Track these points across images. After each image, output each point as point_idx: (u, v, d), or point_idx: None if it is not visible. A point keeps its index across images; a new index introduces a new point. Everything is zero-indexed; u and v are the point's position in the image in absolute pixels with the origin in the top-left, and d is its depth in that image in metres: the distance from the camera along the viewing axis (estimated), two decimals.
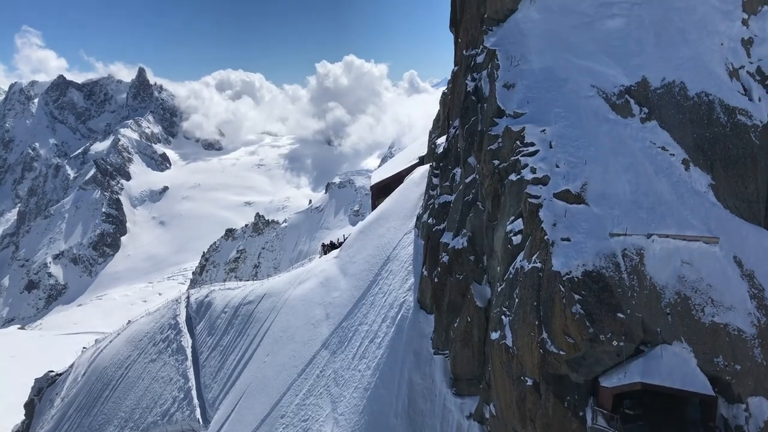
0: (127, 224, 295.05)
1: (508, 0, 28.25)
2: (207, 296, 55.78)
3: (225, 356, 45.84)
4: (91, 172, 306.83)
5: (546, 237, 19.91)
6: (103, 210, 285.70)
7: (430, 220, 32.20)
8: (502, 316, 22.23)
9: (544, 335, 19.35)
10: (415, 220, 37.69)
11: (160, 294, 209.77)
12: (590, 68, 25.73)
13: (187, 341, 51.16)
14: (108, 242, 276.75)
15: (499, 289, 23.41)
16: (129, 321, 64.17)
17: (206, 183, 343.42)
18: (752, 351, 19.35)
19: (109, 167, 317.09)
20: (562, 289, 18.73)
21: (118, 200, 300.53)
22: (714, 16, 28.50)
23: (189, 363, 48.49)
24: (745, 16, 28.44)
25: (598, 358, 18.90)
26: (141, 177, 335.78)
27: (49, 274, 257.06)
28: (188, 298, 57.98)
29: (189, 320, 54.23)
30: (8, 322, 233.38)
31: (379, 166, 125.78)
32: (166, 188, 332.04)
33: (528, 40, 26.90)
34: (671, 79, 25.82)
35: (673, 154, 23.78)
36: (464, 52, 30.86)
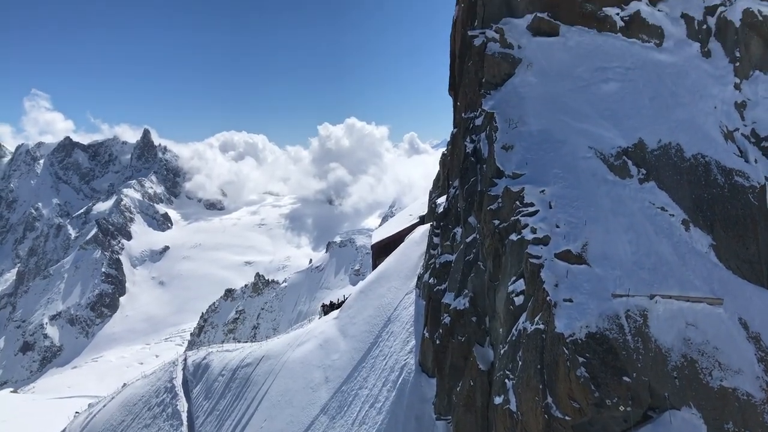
0: (127, 284, 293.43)
1: (506, 65, 29.09)
2: (204, 358, 54.74)
3: (221, 421, 44.54)
4: (93, 232, 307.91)
5: (548, 298, 19.69)
6: (103, 270, 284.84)
7: (431, 280, 31.98)
8: (506, 380, 21.70)
9: (549, 400, 18.82)
10: (416, 279, 37.43)
11: (157, 356, 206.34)
12: (587, 130, 26.19)
13: (182, 405, 49.84)
14: (106, 303, 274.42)
15: (501, 351, 22.96)
16: (124, 384, 62.75)
17: (207, 243, 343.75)
18: (762, 416, 18.79)
19: (110, 227, 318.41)
20: (566, 351, 18.36)
21: (119, 260, 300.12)
22: (706, 81, 29.31)
23: (184, 429, 47.07)
24: (738, 81, 29.26)
25: (605, 424, 18.31)
26: (142, 237, 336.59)
27: (45, 336, 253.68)
28: (185, 360, 56.88)
29: (185, 383, 53.01)
30: (1, 385, 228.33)
31: (380, 225, 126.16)
32: (166, 248, 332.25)
33: (525, 103, 27.51)
34: (667, 140, 26.26)
35: (673, 215, 23.87)
36: (463, 114, 31.50)
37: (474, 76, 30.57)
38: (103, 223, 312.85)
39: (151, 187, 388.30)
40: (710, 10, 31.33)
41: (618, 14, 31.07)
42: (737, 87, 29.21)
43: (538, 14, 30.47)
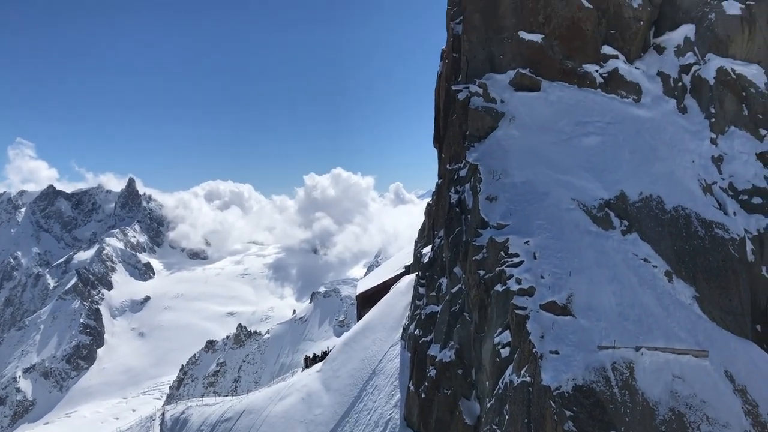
0: (105, 335, 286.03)
1: (489, 118, 29.74)
2: (183, 413, 53.00)
3: None
4: (72, 282, 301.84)
5: (534, 350, 19.52)
6: (81, 321, 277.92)
7: (416, 332, 31.62)
8: None
9: None
10: (401, 331, 36.98)
11: (133, 410, 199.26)
12: (570, 182, 26.61)
13: None
14: (83, 355, 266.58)
15: (488, 405, 22.55)
16: None
17: (189, 293, 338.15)
18: None
19: (91, 276, 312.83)
20: (553, 405, 18.08)
21: (98, 310, 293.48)
22: (683, 136, 30.14)
23: None
24: (714, 136, 30.11)
25: None
26: (123, 287, 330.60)
27: (18, 389, 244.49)
28: (163, 415, 55.01)
29: None
30: None
31: (365, 275, 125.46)
32: (147, 298, 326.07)
33: (509, 155, 27.99)
34: (648, 193, 26.74)
35: (656, 266, 24.07)
36: (448, 166, 31.92)
37: (458, 128, 31.17)
38: (83, 273, 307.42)
39: (134, 237, 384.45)
40: (685, 69, 32.51)
41: (597, 71, 32.14)
42: (713, 142, 30.05)
43: (520, 70, 31.42)
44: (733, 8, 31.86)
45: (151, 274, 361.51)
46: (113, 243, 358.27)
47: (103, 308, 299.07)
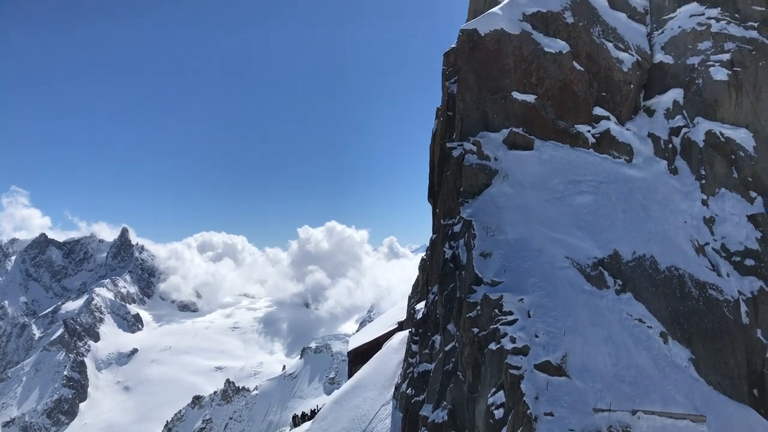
0: (89, 389, 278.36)
1: (483, 175, 30.04)
2: None
3: None
4: (58, 332, 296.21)
5: (528, 411, 19.03)
6: (65, 373, 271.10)
7: (408, 391, 30.88)
8: None
9: None
10: (393, 390, 36.12)
11: None
12: (563, 240, 26.66)
13: None
14: (64, 409, 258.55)
15: None
16: None
17: (178, 346, 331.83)
18: None
19: (78, 327, 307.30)
20: None
21: (83, 363, 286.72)
22: (675, 196, 30.48)
23: None
24: (705, 197, 30.45)
25: None
26: (110, 338, 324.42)
27: None
28: None
29: None
30: None
31: (357, 330, 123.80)
32: (135, 350, 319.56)
33: (502, 212, 28.13)
34: (641, 252, 26.78)
35: (651, 327, 23.84)
36: (442, 221, 32.01)
37: (452, 185, 31.44)
38: (70, 323, 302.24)
39: (125, 287, 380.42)
40: (675, 131, 33.23)
41: (589, 131, 32.78)
42: (705, 203, 30.36)
43: (514, 129, 32.00)
44: (720, 74, 32.86)
45: (140, 326, 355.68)
46: (103, 293, 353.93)
47: (88, 360, 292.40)
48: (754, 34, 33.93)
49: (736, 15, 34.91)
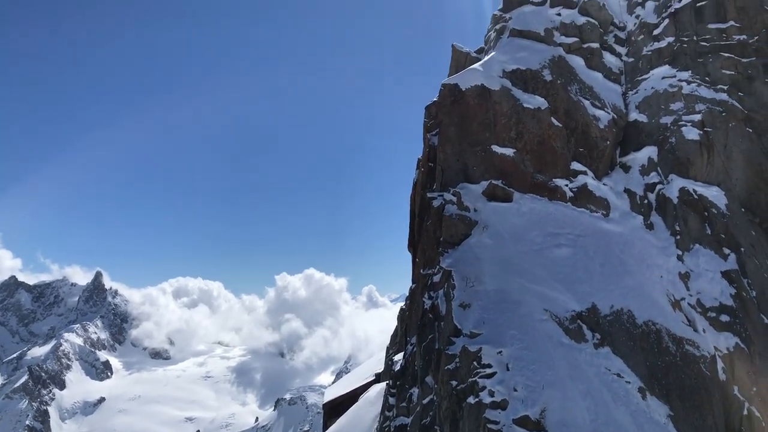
0: None
1: (462, 226, 30.25)
2: None
3: None
4: (22, 380, 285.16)
5: None
6: (27, 423, 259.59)
7: None
8: None
9: None
10: None
11: None
12: (542, 293, 26.71)
13: None
14: None
15: None
16: None
17: (147, 395, 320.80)
18: None
19: (43, 374, 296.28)
20: None
21: (46, 412, 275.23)
22: (651, 251, 30.90)
23: None
24: (680, 253, 30.92)
25: None
26: (77, 386, 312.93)
27: None
28: None
29: None
30: None
31: (334, 382, 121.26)
32: (102, 399, 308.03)
33: (482, 263, 28.20)
34: (619, 306, 26.90)
35: (629, 382, 23.71)
36: (421, 271, 31.96)
37: (432, 234, 31.56)
38: (35, 370, 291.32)
39: (95, 333, 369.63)
40: (650, 187, 34.01)
41: (567, 185, 33.40)
42: (680, 258, 30.81)
43: (493, 181, 32.48)
44: (691, 133, 33.95)
45: (109, 374, 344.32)
46: (72, 339, 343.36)
47: (52, 410, 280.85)
48: (723, 96, 35.30)
49: (707, 78, 36.38)
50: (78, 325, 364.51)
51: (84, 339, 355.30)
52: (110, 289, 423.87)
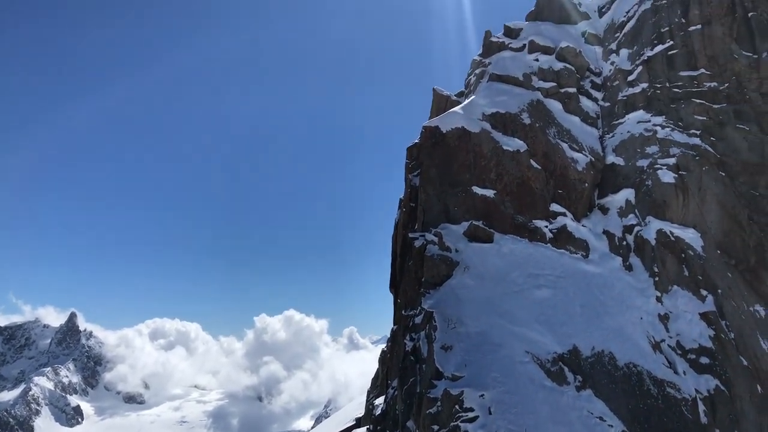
0: None
1: (444, 266, 30.21)
2: None
3: None
4: None
5: None
6: None
7: None
8: None
9: None
10: None
11: None
12: (524, 334, 26.59)
13: None
14: None
15: None
16: None
17: None
18: None
19: (11, 420, 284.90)
20: None
21: None
22: (630, 293, 31.06)
23: None
24: (659, 294, 31.12)
25: None
26: None
27: None
28: None
29: None
30: None
31: (313, 427, 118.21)
32: None
33: (464, 304, 28.08)
34: (600, 348, 26.84)
35: (612, 425, 23.46)
36: (403, 312, 31.70)
37: (414, 275, 31.45)
38: (3, 416, 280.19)
39: (67, 376, 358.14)
40: (628, 229, 34.42)
41: (547, 227, 33.69)
42: (659, 300, 30.99)
43: (474, 222, 32.66)
44: (667, 177, 34.64)
45: (80, 419, 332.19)
46: (42, 383, 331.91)
47: None
48: (697, 141, 36.22)
49: (680, 123, 37.38)
50: (49, 369, 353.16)
51: (55, 383, 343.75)
52: (84, 330, 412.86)
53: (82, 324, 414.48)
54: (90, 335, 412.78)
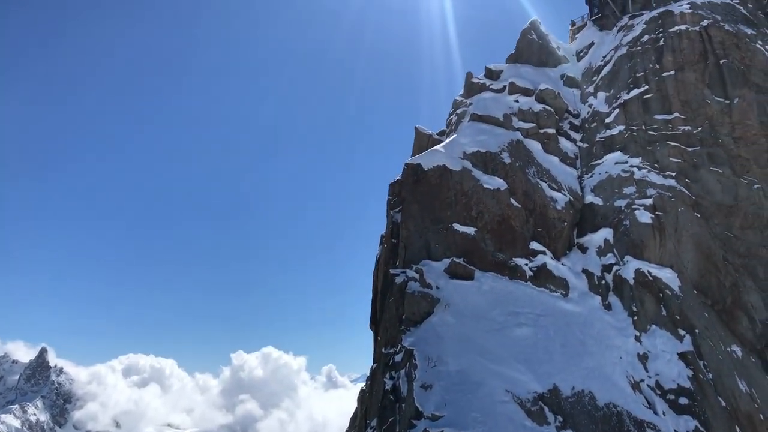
0: None
1: (425, 304, 30.12)
2: None
3: None
4: None
5: None
6: None
7: None
8: None
9: None
10: None
11: None
12: (504, 373, 26.43)
13: None
14: None
15: None
16: None
17: None
18: None
19: None
20: None
21: None
22: (610, 332, 31.16)
23: None
24: (637, 333, 31.27)
25: None
26: None
27: None
28: None
29: None
30: None
31: None
32: None
33: (444, 342, 27.92)
34: (580, 388, 26.74)
35: None
36: (383, 350, 31.39)
37: (395, 312, 31.29)
38: None
39: (35, 414, 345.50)
40: (607, 268, 34.76)
41: (527, 265, 33.88)
42: (638, 339, 31.12)
43: (455, 259, 32.75)
44: (644, 217, 35.22)
45: None
46: (9, 420, 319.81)
47: None
48: (672, 182, 37.04)
49: (656, 164, 38.25)
50: (16, 406, 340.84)
51: (22, 421, 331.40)
52: (55, 366, 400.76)
53: (53, 359, 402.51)
54: (60, 371, 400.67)
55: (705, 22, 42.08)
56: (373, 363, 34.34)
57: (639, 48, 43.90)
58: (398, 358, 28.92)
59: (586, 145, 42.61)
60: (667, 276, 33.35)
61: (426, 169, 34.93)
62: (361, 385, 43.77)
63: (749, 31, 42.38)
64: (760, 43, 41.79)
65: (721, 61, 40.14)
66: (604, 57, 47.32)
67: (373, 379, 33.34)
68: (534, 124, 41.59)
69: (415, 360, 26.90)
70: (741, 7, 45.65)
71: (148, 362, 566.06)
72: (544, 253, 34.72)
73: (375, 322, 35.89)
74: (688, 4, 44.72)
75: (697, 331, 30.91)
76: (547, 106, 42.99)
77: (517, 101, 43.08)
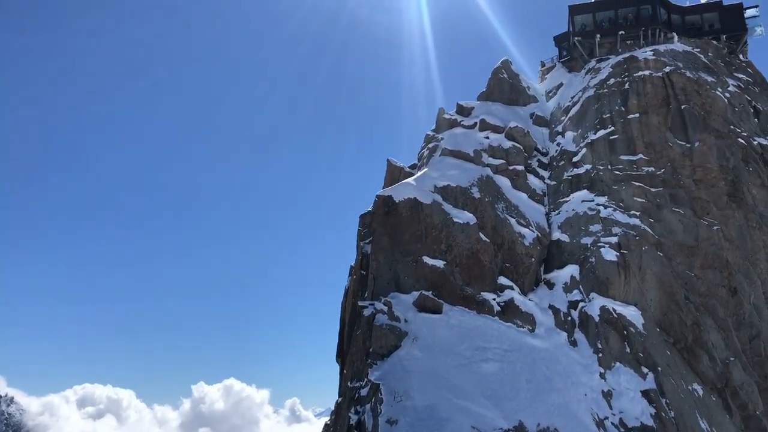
0: None
1: (392, 337, 29.89)
2: None
3: None
4: None
5: None
6: None
7: None
8: None
9: None
10: None
11: None
12: (470, 409, 26.23)
13: None
14: None
15: None
16: None
17: None
18: None
19: None
20: None
21: None
22: (575, 368, 31.33)
23: None
24: (602, 370, 31.52)
25: None
26: None
27: None
28: None
29: None
30: None
31: None
32: None
33: (411, 376, 27.65)
34: (546, 425, 26.67)
35: None
36: (349, 383, 30.92)
37: (362, 345, 30.94)
38: None
39: None
40: (573, 305, 35.15)
41: (494, 299, 34.01)
42: (602, 376, 31.35)
43: (424, 292, 32.69)
44: (609, 255, 35.89)
45: None
46: None
47: None
48: (636, 221, 37.95)
49: (621, 204, 39.19)
50: None
51: None
52: (5, 396, 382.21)
53: (3, 388, 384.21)
54: (11, 401, 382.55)
55: (668, 69, 43.84)
56: (339, 397, 33.75)
57: (606, 90, 45.38)
58: (364, 392, 28.49)
59: (553, 182, 43.45)
60: (632, 313, 33.88)
61: (397, 201, 35.09)
62: (326, 419, 42.88)
63: (709, 79, 44.28)
64: (720, 90, 43.68)
65: (683, 107, 41.73)
66: (572, 98, 48.73)
67: (338, 413, 32.73)
68: (503, 161, 42.30)
69: (381, 394, 26.53)
70: (702, 56, 47.78)
71: (104, 392, 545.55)
72: (511, 288, 34.95)
73: (341, 355, 35.42)
74: (651, 51, 46.63)
75: (659, 368, 31.32)
76: (516, 144, 43.84)
77: (487, 138, 43.85)
